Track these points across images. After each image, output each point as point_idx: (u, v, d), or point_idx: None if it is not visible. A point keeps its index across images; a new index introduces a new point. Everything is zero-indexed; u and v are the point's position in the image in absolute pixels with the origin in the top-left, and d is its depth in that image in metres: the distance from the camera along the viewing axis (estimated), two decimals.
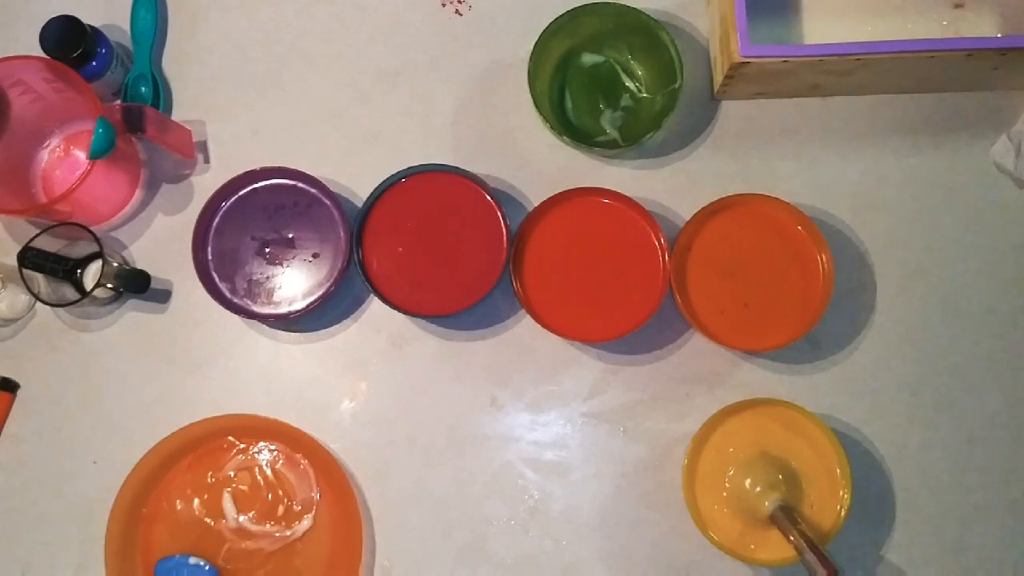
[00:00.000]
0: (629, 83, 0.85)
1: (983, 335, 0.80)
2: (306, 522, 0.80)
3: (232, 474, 0.81)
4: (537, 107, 0.79)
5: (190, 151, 0.85)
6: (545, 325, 0.77)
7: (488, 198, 0.80)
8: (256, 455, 0.81)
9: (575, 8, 0.80)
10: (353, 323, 0.83)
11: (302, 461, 0.81)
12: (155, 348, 0.83)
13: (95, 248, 0.78)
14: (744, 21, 0.73)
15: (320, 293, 0.80)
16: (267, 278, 0.81)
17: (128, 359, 0.83)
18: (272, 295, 0.81)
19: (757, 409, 0.75)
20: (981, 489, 0.78)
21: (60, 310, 0.84)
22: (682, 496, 0.74)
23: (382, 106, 0.86)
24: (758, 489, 0.72)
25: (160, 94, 0.86)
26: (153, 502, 0.81)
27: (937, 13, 0.82)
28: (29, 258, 0.78)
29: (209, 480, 0.81)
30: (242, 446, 0.81)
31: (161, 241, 0.85)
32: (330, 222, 0.82)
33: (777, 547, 0.72)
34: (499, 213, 0.79)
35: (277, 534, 0.80)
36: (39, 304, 0.83)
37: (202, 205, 0.81)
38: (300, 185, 0.82)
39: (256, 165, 0.81)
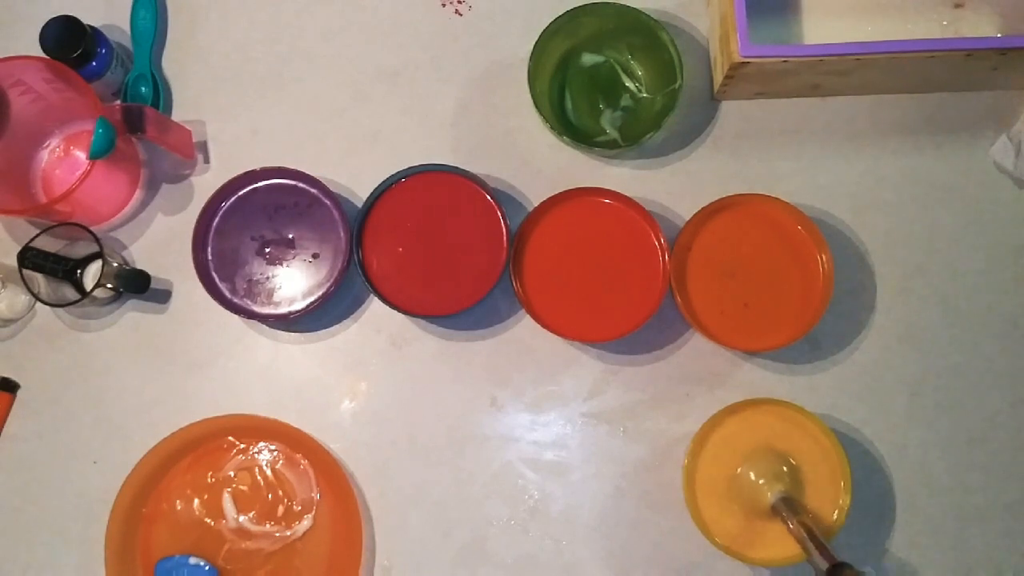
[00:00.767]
0: (629, 83, 0.85)
1: (983, 335, 0.80)
2: (306, 522, 0.80)
3: (232, 474, 0.81)
4: (537, 107, 0.79)
5: (190, 151, 0.85)
6: (545, 325, 0.77)
7: (488, 198, 0.80)
8: (256, 455, 0.81)
9: (575, 8, 0.80)
10: (353, 323, 0.83)
11: (302, 461, 0.81)
12: (155, 348, 0.83)
13: (95, 248, 0.78)
14: (744, 21, 0.73)
15: (320, 293, 0.80)
16: (267, 278, 0.81)
17: (128, 359, 0.83)
18: (272, 295, 0.81)
19: (757, 409, 0.75)
20: (981, 489, 0.78)
21: (60, 310, 0.84)
22: (682, 496, 0.74)
23: (382, 106, 0.86)
24: (761, 481, 0.72)
25: (160, 94, 0.86)
26: (153, 502, 0.81)
27: (937, 13, 0.82)
28: (29, 258, 0.78)
29: (209, 480, 0.81)
30: (242, 446, 0.81)
31: (161, 241, 0.85)
32: (330, 222, 0.81)
33: (777, 547, 0.73)
34: (499, 213, 0.79)
35: (277, 534, 0.80)
36: (39, 304, 0.83)
37: (202, 205, 0.81)
38: (300, 185, 0.82)
39: (256, 165, 0.81)
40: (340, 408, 0.82)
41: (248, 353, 0.83)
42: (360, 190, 0.85)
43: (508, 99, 0.85)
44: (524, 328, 0.82)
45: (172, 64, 0.88)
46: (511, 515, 0.80)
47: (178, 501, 0.81)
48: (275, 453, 0.81)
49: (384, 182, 0.81)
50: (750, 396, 0.77)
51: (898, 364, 0.80)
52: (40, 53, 0.79)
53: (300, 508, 0.80)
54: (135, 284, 0.81)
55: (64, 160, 0.86)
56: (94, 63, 0.82)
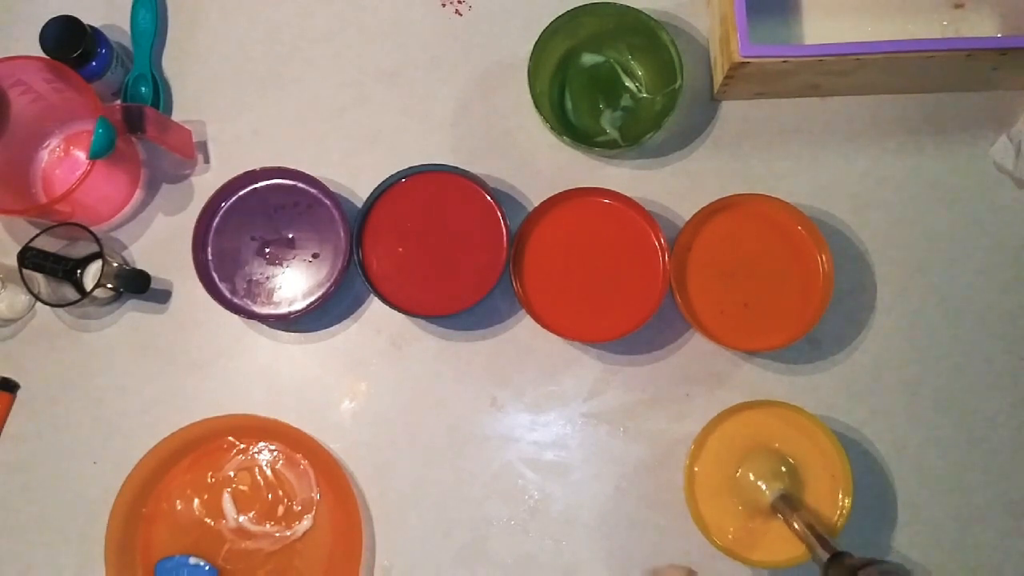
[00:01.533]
0: (629, 83, 0.85)
1: (983, 335, 0.80)
2: (306, 522, 0.80)
3: (232, 474, 0.81)
4: (537, 107, 0.79)
5: (190, 151, 0.85)
6: (545, 325, 0.77)
7: (488, 198, 0.80)
8: (256, 455, 0.81)
9: (575, 8, 0.80)
10: (353, 323, 0.83)
11: (302, 461, 0.81)
12: (155, 348, 0.83)
13: (95, 248, 0.78)
14: (744, 21, 0.73)
15: (320, 293, 0.80)
16: (267, 278, 0.81)
17: (128, 359, 0.83)
18: (272, 295, 0.81)
19: (758, 410, 0.75)
20: (981, 489, 0.78)
21: (60, 310, 0.84)
22: (682, 496, 0.74)
23: (382, 106, 0.86)
24: (760, 481, 0.72)
25: (160, 94, 0.86)
26: (153, 502, 0.81)
27: (937, 13, 0.82)
28: (29, 258, 0.78)
29: (209, 480, 0.81)
30: (242, 446, 0.81)
31: (161, 241, 0.85)
32: (330, 222, 0.81)
33: (777, 549, 0.73)
34: (499, 213, 0.79)
35: (277, 534, 0.80)
36: (39, 304, 0.83)
37: (202, 205, 0.81)
38: (300, 185, 0.82)
39: (256, 165, 0.81)
40: (340, 408, 0.82)
41: (248, 353, 0.83)
42: (360, 190, 0.85)
43: (508, 99, 0.85)
44: (524, 328, 0.82)
45: (172, 64, 0.88)
46: (511, 515, 0.80)
47: (178, 501, 0.81)
48: (275, 453, 0.81)
49: (384, 182, 0.81)
50: (750, 396, 0.77)
51: (898, 364, 0.80)
52: (40, 53, 0.79)
53: (300, 508, 0.80)
54: (135, 284, 0.81)
55: (64, 160, 0.86)
56: (94, 63, 0.82)
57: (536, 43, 0.80)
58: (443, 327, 0.83)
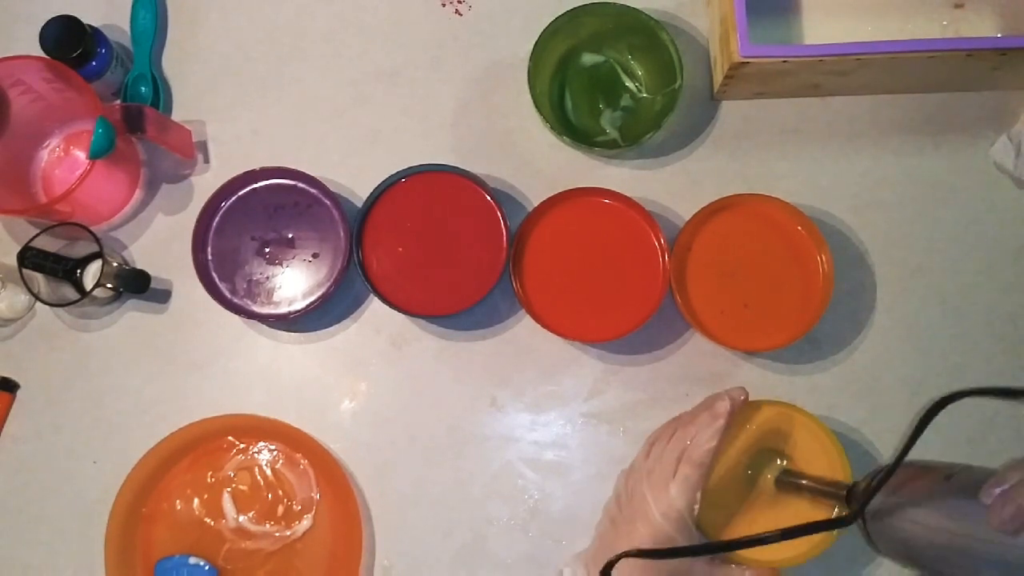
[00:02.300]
0: (629, 83, 0.85)
1: (983, 335, 0.80)
2: (306, 522, 0.80)
3: (232, 474, 0.81)
4: (537, 107, 0.79)
5: (190, 151, 0.85)
6: (545, 325, 0.77)
7: (488, 198, 0.80)
8: (256, 455, 0.81)
9: (575, 8, 0.80)
10: (353, 323, 0.83)
11: (302, 461, 0.81)
12: (155, 348, 0.83)
13: (95, 248, 0.78)
14: (744, 21, 0.73)
15: (320, 293, 0.80)
16: (267, 278, 0.81)
17: (128, 359, 0.83)
18: (272, 295, 0.81)
19: (758, 409, 0.75)
20: None
21: (60, 310, 0.84)
22: None
23: (382, 106, 0.86)
24: (760, 468, 0.72)
25: (160, 94, 0.86)
26: (153, 502, 0.81)
27: (937, 13, 0.82)
28: (29, 258, 0.78)
29: (209, 480, 0.81)
30: (242, 446, 0.81)
31: (161, 241, 0.85)
32: (330, 222, 0.82)
33: (781, 549, 0.72)
34: (499, 213, 0.79)
35: (277, 534, 0.80)
36: (39, 304, 0.83)
37: (202, 205, 0.81)
38: (300, 185, 0.82)
39: (256, 165, 0.81)
40: (340, 408, 0.82)
41: (248, 353, 0.83)
42: (360, 190, 0.85)
43: (508, 99, 0.85)
44: (524, 328, 0.82)
45: (172, 64, 0.88)
46: (511, 515, 0.80)
47: (178, 501, 0.81)
48: (275, 453, 0.81)
49: (384, 182, 0.81)
50: (750, 396, 0.77)
51: (898, 364, 0.80)
52: (40, 53, 0.79)
53: (300, 508, 0.80)
54: (135, 284, 0.81)
55: (64, 160, 0.86)
56: (94, 63, 0.82)
57: (536, 43, 0.80)
58: (443, 327, 0.83)
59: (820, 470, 0.74)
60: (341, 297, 0.83)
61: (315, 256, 0.81)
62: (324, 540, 0.80)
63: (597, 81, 0.85)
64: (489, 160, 0.84)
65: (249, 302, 0.81)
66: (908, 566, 0.60)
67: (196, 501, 0.81)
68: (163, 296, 0.84)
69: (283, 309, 0.81)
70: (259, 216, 0.82)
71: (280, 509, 0.80)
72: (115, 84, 0.86)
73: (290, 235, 0.82)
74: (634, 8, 0.80)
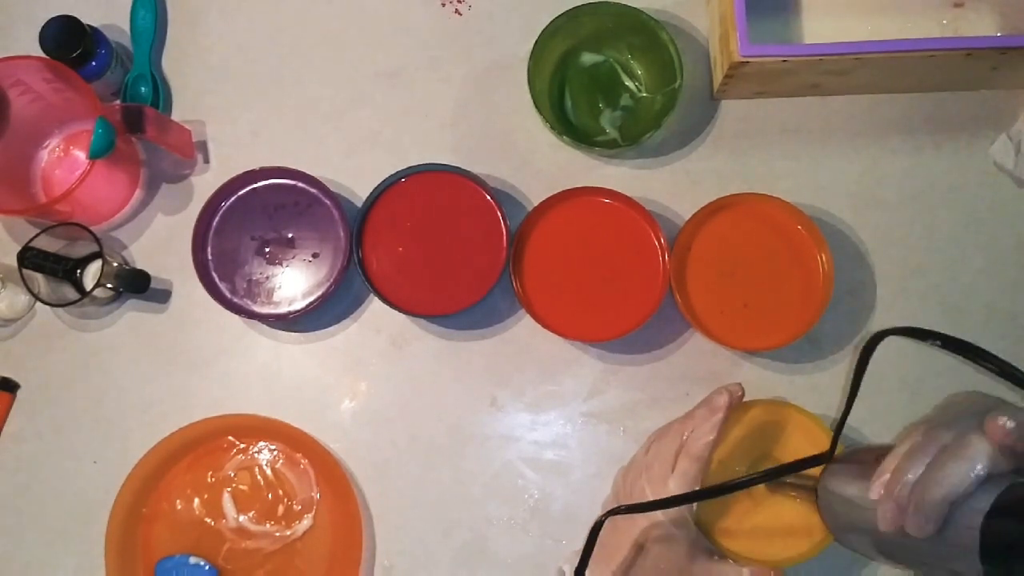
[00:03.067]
0: (629, 83, 0.85)
1: (983, 335, 0.80)
2: (306, 522, 0.80)
3: (232, 474, 0.81)
4: (537, 107, 0.79)
5: (190, 151, 0.85)
6: (545, 325, 0.77)
7: (488, 198, 0.80)
8: (256, 455, 0.81)
9: (575, 8, 0.80)
10: (353, 323, 0.83)
11: (302, 461, 0.81)
12: (155, 348, 0.83)
13: (95, 248, 0.78)
14: (744, 21, 0.73)
15: (320, 293, 0.80)
16: (267, 278, 0.81)
17: (128, 359, 0.83)
18: (272, 295, 0.81)
19: (753, 409, 0.75)
20: None
21: (60, 310, 0.84)
22: None
23: (382, 106, 0.86)
24: (756, 467, 0.72)
25: (160, 94, 0.86)
26: (153, 502, 0.81)
27: (937, 13, 0.82)
28: (29, 258, 0.78)
29: (209, 480, 0.81)
30: (242, 446, 0.81)
31: (161, 241, 0.85)
32: (330, 222, 0.82)
33: (778, 548, 0.72)
34: (499, 213, 0.79)
35: (277, 534, 0.80)
36: (39, 304, 0.83)
37: (202, 205, 0.81)
38: (300, 185, 0.82)
39: (256, 165, 0.81)
40: (340, 408, 0.82)
41: (248, 353, 0.83)
42: (360, 190, 0.85)
43: (508, 99, 0.85)
44: (524, 328, 0.82)
45: (172, 64, 0.88)
46: (511, 515, 0.80)
47: (178, 501, 0.81)
48: (275, 453, 0.81)
49: (384, 182, 0.81)
50: (750, 395, 0.76)
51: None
52: (40, 53, 0.79)
53: (300, 508, 0.80)
54: (135, 284, 0.81)
55: (64, 160, 0.86)
56: (94, 63, 0.82)
57: (536, 43, 0.80)
58: (443, 327, 0.83)
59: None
60: (341, 297, 0.83)
61: (315, 256, 0.81)
62: (324, 540, 0.80)
63: (597, 81, 0.85)
64: (489, 160, 0.84)
65: (249, 302, 0.81)
66: (842, 541, 0.62)
67: (196, 501, 0.81)
68: (163, 296, 0.84)
69: (283, 309, 0.81)
70: (259, 216, 0.82)
71: (280, 509, 0.80)
72: (115, 84, 0.85)
73: (290, 235, 0.82)
74: (634, 8, 0.80)
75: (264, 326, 0.84)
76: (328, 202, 0.82)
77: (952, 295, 0.81)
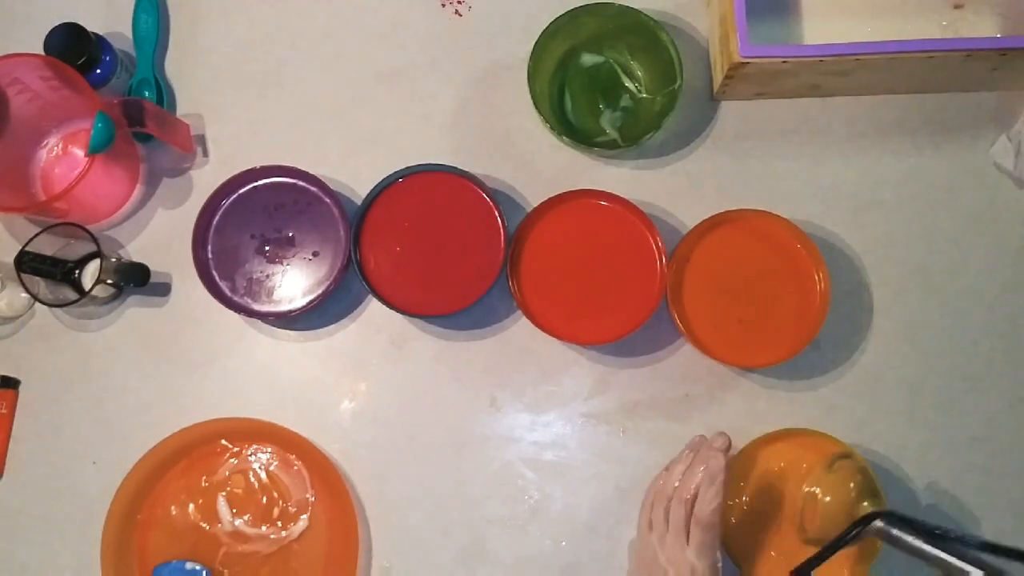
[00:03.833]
0: (629, 83, 0.85)
1: (983, 335, 0.80)
2: (302, 523, 0.80)
3: (227, 476, 0.81)
4: (537, 107, 0.79)
5: (189, 144, 0.85)
6: (542, 327, 0.77)
7: (486, 198, 0.80)
8: (250, 458, 0.81)
9: (575, 8, 0.80)
10: (352, 323, 0.83)
11: (296, 463, 0.81)
12: (155, 348, 0.83)
13: (92, 248, 0.78)
14: (744, 21, 0.73)
15: (320, 291, 0.79)
16: (267, 276, 0.81)
17: (128, 358, 0.83)
18: (272, 293, 0.81)
19: (751, 447, 0.75)
20: (981, 489, 0.78)
21: (60, 310, 0.83)
22: None
23: (382, 106, 0.86)
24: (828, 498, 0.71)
25: (163, 97, 0.86)
26: (148, 508, 0.80)
27: (937, 13, 0.83)
28: (26, 263, 0.78)
29: (203, 484, 0.81)
30: (235, 449, 0.81)
31: (161, 240, 0.85)
32: (330, 220, 0.81)
33: (779, 557, 0.72)
34: (497, 213, 0.79)
35: (273, 536, 0.80)
36: (39, 304, 0.82)
37: (202, 200, 0.80)
38: (300, 183, 0.82)
39: (256, 164, 0.81)
40: (340, 408, 0.82)
41: (248, 352, 0.83)
42: (359, 189, 0.85)
43: (508, 99, 0.85)
44: (524, 328, 0.82)
45: (174, 67, 0.88)
46: (511, 515, 0.79)
47: (173, 506, 0.80)
48: (269, 455, 0.81)
49: (382, 181, 0.81)
50: (749, 396, 0.78)
51: (898, 364, 0.80)
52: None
53: (295, 509, 0.80)
54: (135, 277, 0.81)
55: (63, 159, 0.86)
56: (99, 70, 0.82)
57: (536, 43, 0.80)
58: (442, 327, 0.82)
59: (839, 483, 0.72)
60: (341, 296, 0.83)
61: (315, 254, 0.81)
62: (321, 541, 0.79)
63: (597, 81, 0.85)
64: (488, 160, 0.84)
65: (249, 300, 0.81)
66: None
67: (191, 506, 0.80)
68: (163, 290, 0.84)
69: (283, 307, 0.80)
70: (259, 214, 0.82)
71: (275, 511, 0.80)
72: (119, 90, 0.86)
73: (290, 233, 0.82)
74: (634, 8, 0.80)
75: (264, 325, 0.83)
76: (328, 200, 0.81)
77: (952, 295, 0.81)
